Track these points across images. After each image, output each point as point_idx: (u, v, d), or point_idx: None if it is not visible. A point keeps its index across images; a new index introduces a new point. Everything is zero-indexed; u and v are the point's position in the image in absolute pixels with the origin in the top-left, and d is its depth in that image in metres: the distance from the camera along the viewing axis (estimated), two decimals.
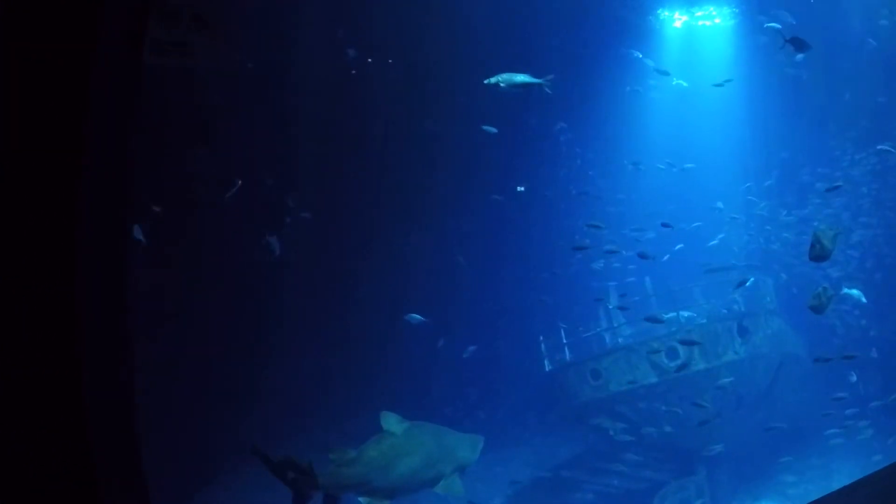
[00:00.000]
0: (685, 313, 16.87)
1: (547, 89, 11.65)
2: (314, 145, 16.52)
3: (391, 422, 10.42)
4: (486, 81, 11.45)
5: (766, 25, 14.55)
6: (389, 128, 18.11)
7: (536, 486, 18.74)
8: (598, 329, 18.66)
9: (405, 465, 10.28)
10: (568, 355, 18.35)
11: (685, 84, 18.72)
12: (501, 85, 11.34)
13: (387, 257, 18.72)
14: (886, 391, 15.83)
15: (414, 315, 15.69)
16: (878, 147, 16.90)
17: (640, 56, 18.93)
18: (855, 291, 15.46)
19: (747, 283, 16.85)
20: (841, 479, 15.73)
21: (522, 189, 21.38)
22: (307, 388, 16.77)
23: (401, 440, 10.34)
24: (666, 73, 18.64)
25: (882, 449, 15.65)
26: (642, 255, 16.43)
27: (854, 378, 15.76)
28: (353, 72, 17.38)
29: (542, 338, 19.24)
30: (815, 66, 18.74)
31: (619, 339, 17.98)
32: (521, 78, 11.58)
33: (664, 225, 17.43)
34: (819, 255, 9.91)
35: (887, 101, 18.57)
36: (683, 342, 15.22)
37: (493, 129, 16.00)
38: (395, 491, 10.26)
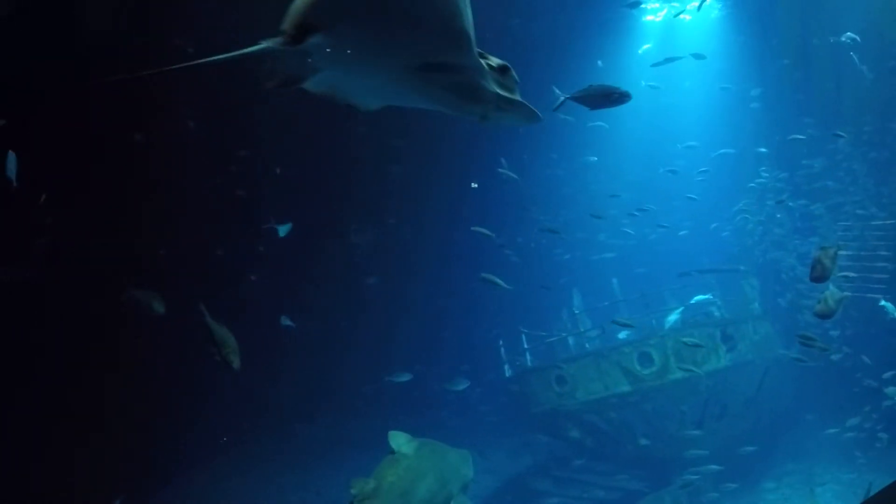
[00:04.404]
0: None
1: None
2: None
3: (400, 441, 9.60)
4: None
5: None
6: None
7: (499, 497, 17.83)
8: (563, 333, 17.84)
9: (424, 489, 9.41)
10: (529, 360, 17.48)
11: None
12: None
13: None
14: None
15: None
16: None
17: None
18: (889, 305, 14.96)
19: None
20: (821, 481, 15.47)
21: (476, 185, 20.38)
22: None
23: (414, 461, 9.49)
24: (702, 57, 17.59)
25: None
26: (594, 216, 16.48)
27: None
28: None
29: (501, 342, 18.40)
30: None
31: (587, 345, 17.15)
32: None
33: (640, 210, 16.72)
34: (820, 275, 9.53)
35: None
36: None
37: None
38: None
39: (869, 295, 16.45)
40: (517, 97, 3.90)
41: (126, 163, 13.08)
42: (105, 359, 13.52)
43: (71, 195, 12.38)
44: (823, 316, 10.61)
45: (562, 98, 7.84)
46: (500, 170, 15.35)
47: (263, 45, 3.56)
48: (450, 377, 16.02)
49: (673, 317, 16.30)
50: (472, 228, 13.98)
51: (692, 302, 17.15)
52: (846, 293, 10.97)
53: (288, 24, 3.57)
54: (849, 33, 16.95)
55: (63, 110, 11.46)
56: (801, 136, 17.09)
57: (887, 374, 15.04)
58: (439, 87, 3.79)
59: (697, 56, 17.56)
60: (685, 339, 14.16)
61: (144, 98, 12.17)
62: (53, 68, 11.09)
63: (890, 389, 14.55)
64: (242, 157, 15.08)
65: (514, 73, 3.87)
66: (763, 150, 18.50)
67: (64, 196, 11.95)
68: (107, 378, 13.55)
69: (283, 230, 12.77)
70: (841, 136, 16.50)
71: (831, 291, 10.50)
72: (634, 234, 19.30)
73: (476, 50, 3.70)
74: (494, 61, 3.82)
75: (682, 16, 21.02)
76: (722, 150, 18.69)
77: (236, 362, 7.97)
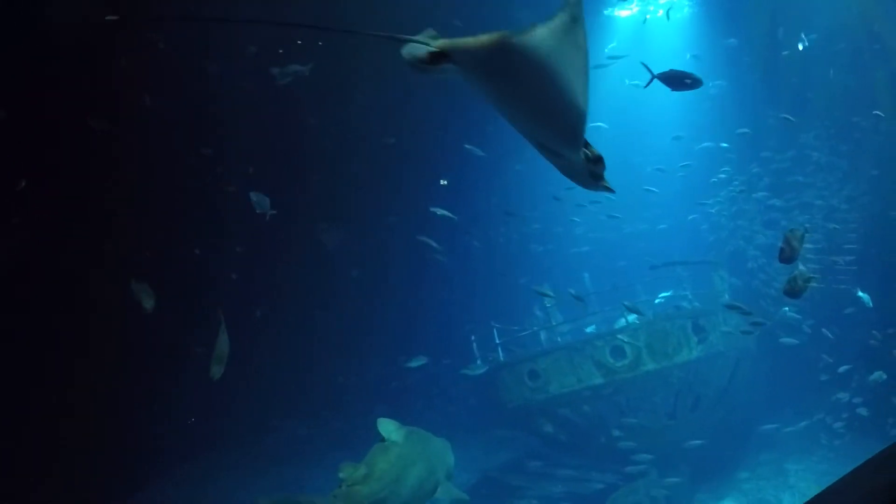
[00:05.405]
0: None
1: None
2: None
3: (390, 428, 9.54)
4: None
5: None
6: None
7: (475, 493, 17.83)
8: (535, 327, 17.89)
9: (414, 476, 9.39)
10: (501, 355, 17.49)
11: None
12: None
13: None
14: None
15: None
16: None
17: None
18: (865, 296, 15.24)
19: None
20: (792, 472, 15.69)
21: (445, 182, 20.41)
22: None
23: (405, 448, 9.48)
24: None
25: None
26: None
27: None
28: None
29: (473, 337, 18.40)
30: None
31: (558, 339, 17.21)
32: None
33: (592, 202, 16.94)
34: (789, 257, 9.92)
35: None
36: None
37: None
38: None
39: (836, 286, 16.75)
40: (602, 183, 4.35)
41: (91, 157, 12.91)
42: (75, 359, 13.36)
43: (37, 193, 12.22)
44: (792, 294, 10.79)
45: (651, 76, 9.75)
46: (466, 146, 15.32)
47: (407, 43, 3.77)
48: (435, 369, 16.17)
49: (630, 317, 16.30)
50: (431, 209, 13.97)
51: (656, 301, 17.39)
52: (815, 275, 11.16)
53: (433, 44, 3.77)
54: (802, 35, 17.22)
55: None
56: (747, 130, 17.41)
57: (842, 369, 15.38)
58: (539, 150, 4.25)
59: (696, 57, 17.95)
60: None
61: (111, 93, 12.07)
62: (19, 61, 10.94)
63: (876, 374, 14.83)
64: (207, 155, 14.92)
65: (604, 162, 4.29)
66: (725, 144, 18.72)
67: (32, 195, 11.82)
68: (78, 379, 13.40)
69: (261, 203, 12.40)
70: (790, 120, 16.66)
71: (800, 271, 10.73)
72: (581, 222, 19.42)
73: (582, 143, 4.10)
74: (593, 153, 4.20)
75: (652, 13, 21.17)
76: (705, 144, 18.86)
77: (217, 372, 7.95)
